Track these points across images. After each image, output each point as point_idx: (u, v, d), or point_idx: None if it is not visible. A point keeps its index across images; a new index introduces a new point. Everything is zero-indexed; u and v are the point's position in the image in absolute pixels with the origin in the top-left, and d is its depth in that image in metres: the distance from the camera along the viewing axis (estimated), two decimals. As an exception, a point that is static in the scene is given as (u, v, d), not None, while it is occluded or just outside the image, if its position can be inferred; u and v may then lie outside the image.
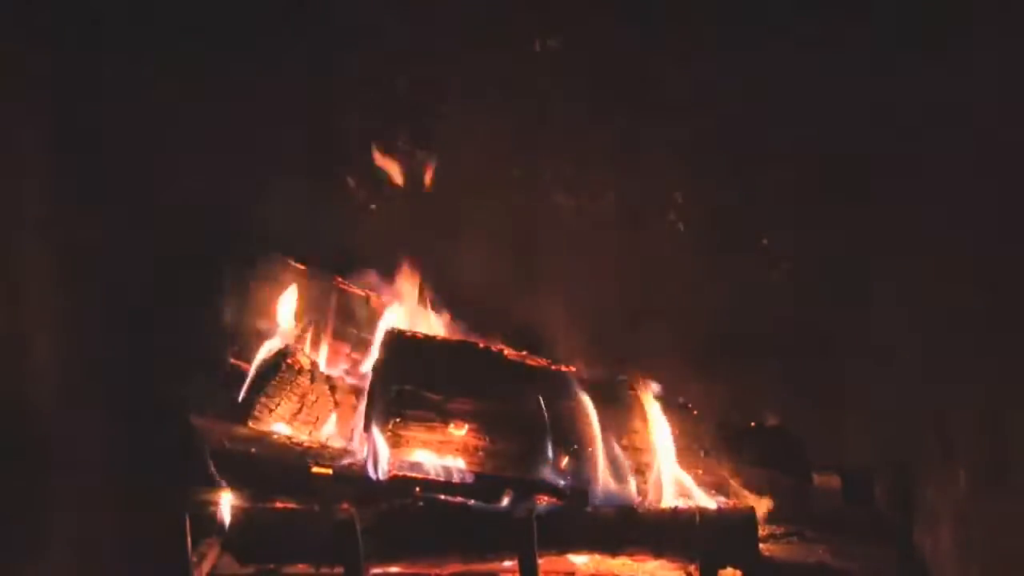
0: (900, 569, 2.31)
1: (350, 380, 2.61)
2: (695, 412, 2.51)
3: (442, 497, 2.30)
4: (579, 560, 2.27)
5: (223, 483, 2.25)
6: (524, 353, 2.52)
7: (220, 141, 2.63)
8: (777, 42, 2.58)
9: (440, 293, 2.68)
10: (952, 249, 2.14)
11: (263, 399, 2.48)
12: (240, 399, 2.49)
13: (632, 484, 2.35)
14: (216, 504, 2.25)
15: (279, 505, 2.26)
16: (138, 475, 2.27)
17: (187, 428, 2.37)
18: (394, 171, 2.70)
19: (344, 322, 2.67)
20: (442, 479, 2.34)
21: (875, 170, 2.50)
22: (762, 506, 2.38)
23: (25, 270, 2.23)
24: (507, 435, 2.35)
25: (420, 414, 2.34)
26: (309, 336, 2.63)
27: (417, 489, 2.31)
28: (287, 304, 2.61)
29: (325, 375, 2.57)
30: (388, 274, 2.69)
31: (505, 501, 2.32)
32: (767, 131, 2.65)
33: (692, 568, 2.20)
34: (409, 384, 2.35)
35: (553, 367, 2.50)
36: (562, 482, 2.33)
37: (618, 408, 2.41)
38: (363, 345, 2.66)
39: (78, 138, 2.40)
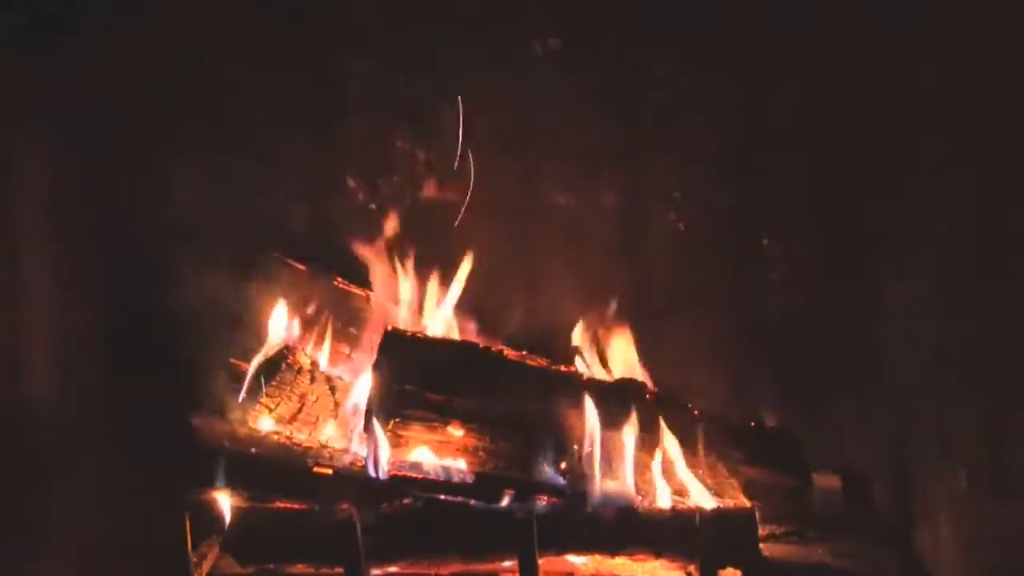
0: (900, 569, 2.31)
1: (350, 380, 2.62)
2: (695, 412, 2.50)
3: (442, 497, 2.30)
4: (579, 560, 2.27)
5: (223, 483, 2.25)
6: (524, 353, 2.52)
7: (220, 141, 2.63)
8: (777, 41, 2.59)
9: (442, 293, 2.68)
10: (953, 249, 2.14)
11: (263, 399, 2.48)
12: (240, 399, 2.49)
13: (632, 484, 2.35)
14: (216, 504, 2.25)
15: (279, 505, 2.26)
16: (138, 475, 2.27)
17: (187, 428, 2.37)
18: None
19: (344, 322, 2.67)
20: (442, 479, 2.34)
21: (875, 169, 2.50)
22: (762, 506, 2.37)
23: (24, 271, 2.23)
24: (507, 435, 2.35)
25: (420, 414, 2.35)
26: (310, 336, 2.63)
27: (416, 489, 2.30)
28: (287, 304, 2.61)
29: (325, 375, 2.57)
30: (388, 273, 2.70)
31: (505, 501, 2.32)
32: (767, 130, 2.65)
33: (692, 568, 2.19)
34: (409, 384, 2.35)
35: (553, 367, 2.50)
36: (562, 482, 2.33)
37: (618, 408, 2.41)
38: (363, 345, 2.66)
39: (75, 136, 2.40)
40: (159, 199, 2.58)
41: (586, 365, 2.61)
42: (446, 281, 2.65)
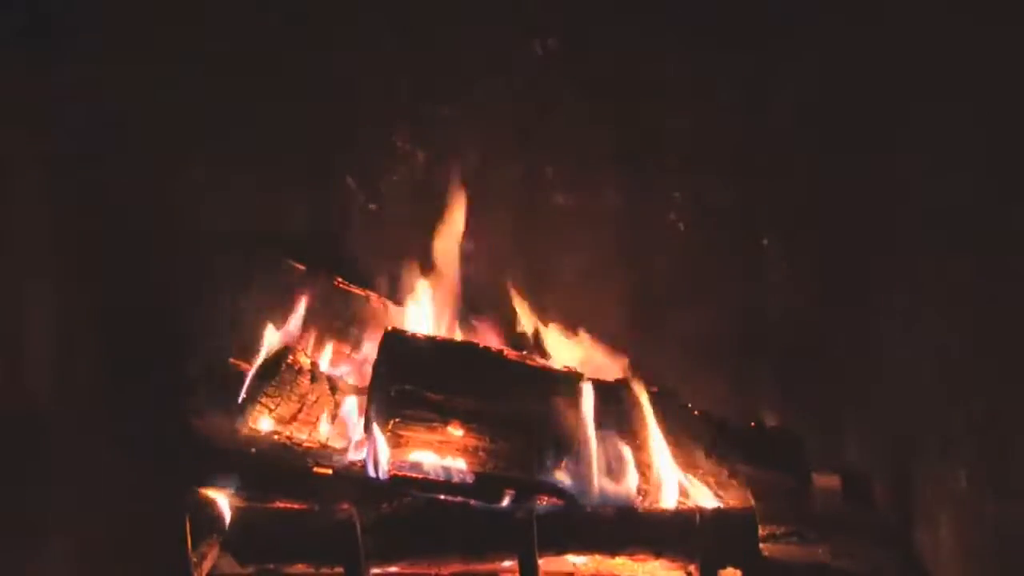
0: (900, 569, 2.31)
1: (350, 380, 2.62)
2: (695, 412, 2.50)
3: (442, 497, 2.30)
4: (579, 560, 2.27)
5: (223, 483, 2.25)
6: (524, 353, 2.52)
7: (220, 141, 2.63)
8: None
9: (442, 293, 2.68)
10: (953, 249, 2.14)
11: (263, 399, 2.48)
12: (240, 399, 2.49)
13: (632, 484, 2.35)
14: (216, 504, 2.25)
15: (279, 505, 2.26)
16: (138, 475, 2.27)
17: (187, 428, 2.37)
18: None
19: (345, 322, 2.67)
20: (442, 479, 2.34)
21: (875, 169, 2.50)
22: (762, 506, 2.37)
23: (23, 271, 2.23)
24: (507, 435, 2.35)
25: (420, 414, 2.34)
26: (310, 336, 2.63)
27: (416, 489, 2.30)
28: (287, 304, 2.61)
29: (325, 375, 2.57)
30: (389, 274, 2.70)
31: (505, 501, 2.31)
32: (767, 130, 2.65)
33: (692, 568, 2.19)
34: (409, 384, 2.35)
35: (553, 367, 2.50)
36: (562, 482, 2.33)
37: (618, 408, 2.41)
38: (363, 345, 2.66)
39: (75, 136, 2.41)
40: (159, 199, 2.58)
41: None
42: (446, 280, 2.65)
